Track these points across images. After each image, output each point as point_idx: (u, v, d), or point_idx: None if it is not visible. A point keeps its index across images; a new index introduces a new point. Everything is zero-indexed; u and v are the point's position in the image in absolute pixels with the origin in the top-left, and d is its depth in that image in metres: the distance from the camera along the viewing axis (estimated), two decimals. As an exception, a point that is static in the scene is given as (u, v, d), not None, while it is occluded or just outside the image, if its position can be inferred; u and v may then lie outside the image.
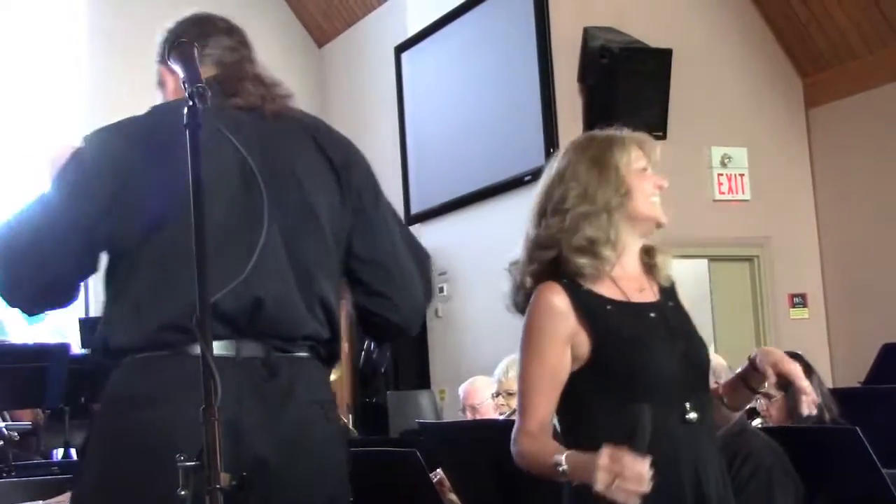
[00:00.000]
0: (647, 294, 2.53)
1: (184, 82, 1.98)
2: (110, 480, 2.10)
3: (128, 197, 2.15)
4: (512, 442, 2.47)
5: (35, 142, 11.03)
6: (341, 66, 11.25)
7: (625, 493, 2.11)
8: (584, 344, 2.43)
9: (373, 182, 2.41)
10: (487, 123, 8.24)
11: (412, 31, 9.25)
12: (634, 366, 2.41)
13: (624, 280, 2.51)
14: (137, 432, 2.05)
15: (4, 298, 2.27)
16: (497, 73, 8.19)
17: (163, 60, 2.41)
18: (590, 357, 2.43)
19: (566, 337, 2.43)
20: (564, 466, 2.28)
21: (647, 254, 2.58)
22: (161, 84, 2.48)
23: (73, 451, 6.74)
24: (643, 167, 2.56)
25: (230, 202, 2.17)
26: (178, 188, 1.99)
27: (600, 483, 2.12)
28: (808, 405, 2.42)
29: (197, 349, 2.02)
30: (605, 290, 2.48)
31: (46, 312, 2.39)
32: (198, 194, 1.85)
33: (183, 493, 1.72)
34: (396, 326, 2.43)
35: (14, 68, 11.11)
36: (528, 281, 2.56)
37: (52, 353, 6.32)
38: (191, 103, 1.89)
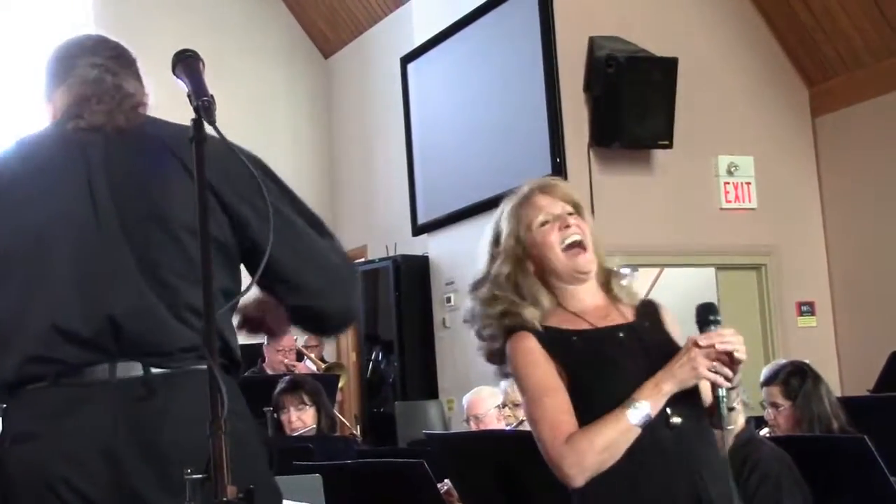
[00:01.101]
0: (614, 318, 2.62)
1: (189, 96, 1.98)
2: None
3: None
4: (560, 464, 2.46)
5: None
6: (348, 76, 11.27)
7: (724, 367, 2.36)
8: (562, 375, 2.52)
9: (253, 180, 2.11)
10: (493, 133, 8.24)
11: (418, 41, 9.26)
12: (606, 382, 2.49)
13: (587, 313, 2.61)
14: (18, 468, 2.06)
15: None
16: (503, 82, 8.19)
17: (45, 95, 2.43)
18: (569, 386, 2.51)
19: (552, 368, 2.54)
20: (643, 402, 2.39)
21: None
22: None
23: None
24: (542, 221, 2.65)
25: (79, 224, 2.16)
26: (31, 219, 2.08)
27: (702, 367, 2.36)
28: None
29: (79, 376, 2.07)
30: (569, 324, 2.59)
31: None
32: (203, 211, 1.86)
33: (189, 507, 1.72)
34: (331, 313, 2.34)
35: (23, 71, 11.17)
36: (497, 336, 2.67)
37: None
38: (195, 118, 1.89)
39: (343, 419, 6.66)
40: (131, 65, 2.44)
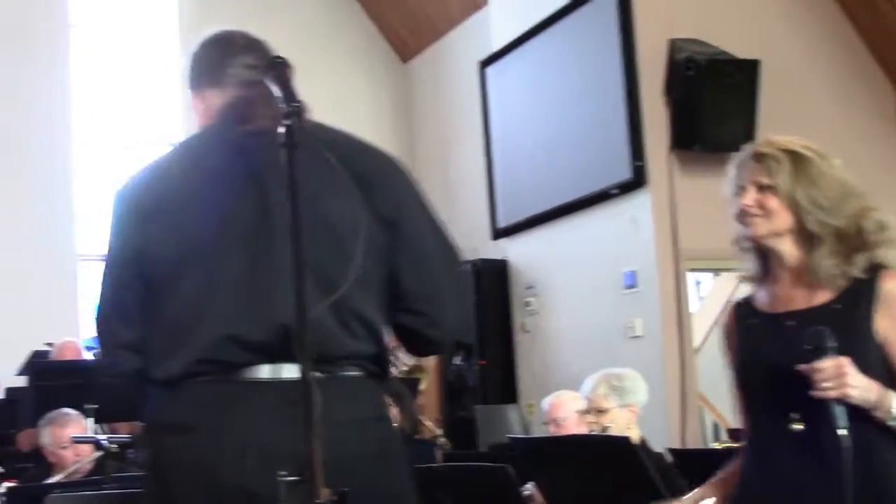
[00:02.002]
0: (798, 301, 2.57)
1: (280, 102, 2.00)
2: (152, 500, 2.16)
3: (152, 239, 2.20)
4: None
5: (135, 146, 11.31)
6: (426, 81, 11.32)
7: None
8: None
9: (403, 190, 2.34)
10: (573, 137, 8.22)
11: (497, 45, 9.27)
12: (745, 376, 2.57)
13: (776, 287, 2.61)
14: (178, 459, 2.09)
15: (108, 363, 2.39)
16: (582, 86, 8.17)
17: (190, 86, 2.45)
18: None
19: None
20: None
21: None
22: (193, 108, 2.49)
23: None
24: (734, 191, 2.67)
25: (251, 229, 2.18)
26: (203, 223, 2.04)
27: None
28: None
29: (241, 373, 2.10)
30: (761, 301, 2.64)
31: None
32: (296, 212, 1.88)
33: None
34: (432, 342, 2.38)
35: (110, 74, 11.42)
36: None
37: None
38: (287, 123, 1.92)
39: (427, 422, 6.68)
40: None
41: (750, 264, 2.64)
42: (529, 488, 4.15)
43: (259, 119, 2.25)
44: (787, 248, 2.57)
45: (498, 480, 3.68)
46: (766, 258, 2.61)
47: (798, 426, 2.45)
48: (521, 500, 3.86)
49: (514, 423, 8.47)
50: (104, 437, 5.16)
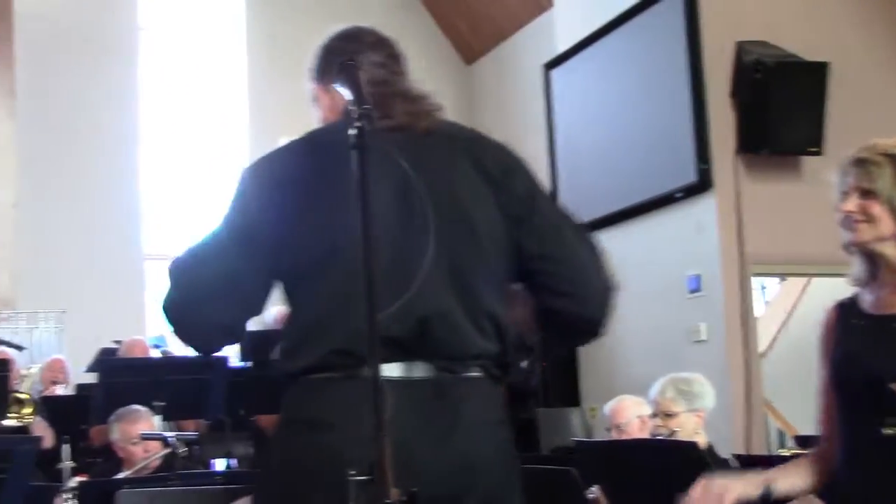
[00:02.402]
0: None
1: (351, 104, 2.01)
2: (279, 499, 2.16)
3: (293, 229, 2.18)
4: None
5: (201, 148, 11.45)
6: (490, 83, 11.33)
7: None
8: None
9: (533, 185, 2.36)
10: (638, 140, 8.18)
11: (561, 47, 9.25)
12: (841, 375, 2.55)
13: (882, 290, 2.59)
14: (309, 454, 2.08)
15: (182, 341, 2.38)
16: (648, 88, 8.13)
17: (317, 79, 2.47)
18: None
19: None
20: None
21: None
22: (315, 101, 2.51)
23: (234, 462, 6.94)
24: (838, 197, 2.62)
25: (393, 224, 2.17)
26: (346, 213, 2.04)
27: None
28: None
29: (361, 371, 2.06)
30: (866, 302, 2.61)
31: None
32: (367, 216, 1.89)
33: (354, 507, 1.76)
34: (585, 321, 2.37)
35: (177, 76, 11.57)
36: None
37: (213, 366, 6.52)
38: (358, 125, 1.93)
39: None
40: (404, 64, 2.48)
41: (857, 267, 2.62)
42: (594, 492, 4.14)
43: (397, 116, 2.28)
44: (892, 252, 2.54)
45: (562, 483, 3.67)
46: (872, 261, 2.59)
47: (893, 430, 2.43)
48: (586, 503, 3.85)
49: (577, 426, 8.46)
50: (171, 434, 5.23)
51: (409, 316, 2.13)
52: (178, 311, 2.31)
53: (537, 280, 2.32)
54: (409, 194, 2.21)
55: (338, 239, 2.12)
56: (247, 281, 2.24)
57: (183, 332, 2.35)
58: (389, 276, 2.10)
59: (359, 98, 1.99)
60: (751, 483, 2.58)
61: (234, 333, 2.36)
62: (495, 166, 2.31)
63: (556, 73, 9.34)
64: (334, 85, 2.36)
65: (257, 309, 2.30)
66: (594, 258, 2.38)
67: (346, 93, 2.06)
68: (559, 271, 2.31)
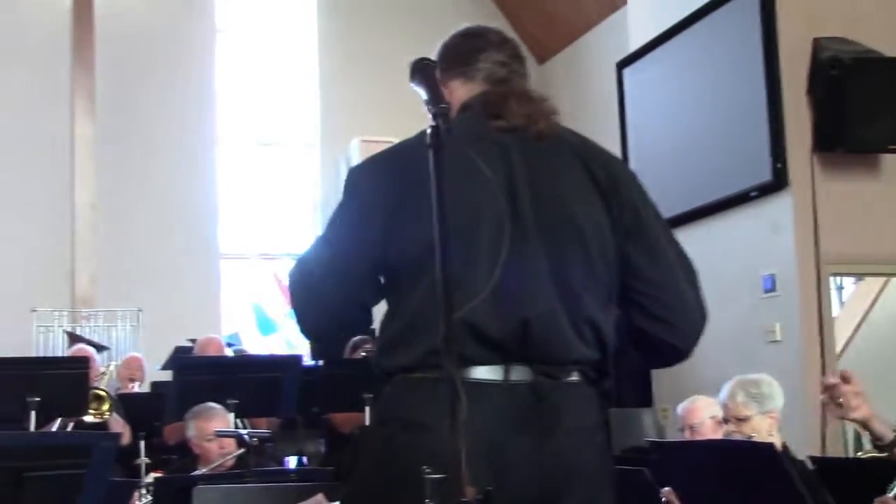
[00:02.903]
0: None
1: (426, 103, 2.02)
2: (374, 498, 2.16)
3: (399, 225, 2.17)
4: None
5: (275, 148, 11.55)
6: (562, 81, 11.29)
7: None
8: None
9: (641, 199, 2.36)
10: (712, 138, 8.09)
11: (634, 45, 9.18)
12: None
13: None
14: (402, 454, 2.06)
15: (301, 329, 2.39)
16: (722, 86, 8.04)
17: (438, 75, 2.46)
18: None
19: None
20: None
21: None
22: None
23: (305, 459, 7.00)
24: None
25: (493, 225, 2.15)
26: (453, 214, 2.04)
27: None
28: None
29: (470, 372, 2.08)
30: None
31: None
32: (441, 216, 1.88)
33: (430, 504, 1.77)
34: (675, 350, 2.37)
35: (252, 77, 11.70)
36: None
37: (286, 365, 6.57)
38: (434, 125, 1.93)
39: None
40: (525, 65, 2.46)
41: None
42: (665, 493, 4.10)
43: (512, 117, 2.27)
44: None
45: (635, 483, 3.65)
46: None
47: None
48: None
49: (649, 427, 8.39)
50: (245, 431, 5.28)
51: (511, 318, 2.12)
52: (300, 305, 2.34)
53: (634, 299, 2.30)
54: (515, 196, 2.20)
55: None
56: (358, 271, 2.25)
57: (305, 326, 2.38)
58: (494, 276, 2.09)
59: (434, 98, 2.00)
60: None
61: (351, 322, 2.37)
62: (606, 176, 2.30)
63: (628, 72, 9.28)
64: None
65: (371, 301, 2.30)
66: (693, 285, 2.36)
67: (421, 92, 2.06)
68: (658, 296, 2.29)
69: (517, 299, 2.13)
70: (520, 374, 2.14)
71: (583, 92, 10.82)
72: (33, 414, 5.84)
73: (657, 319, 2.30)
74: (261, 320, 11.47)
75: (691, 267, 2.39)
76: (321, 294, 2.28)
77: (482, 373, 2.12)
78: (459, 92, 2.39)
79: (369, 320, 2.38)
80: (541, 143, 2.28)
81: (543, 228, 2.19)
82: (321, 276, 2.27)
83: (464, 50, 2.42)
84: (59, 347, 9.61)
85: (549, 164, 2.26)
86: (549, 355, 2.15)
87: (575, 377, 2.20)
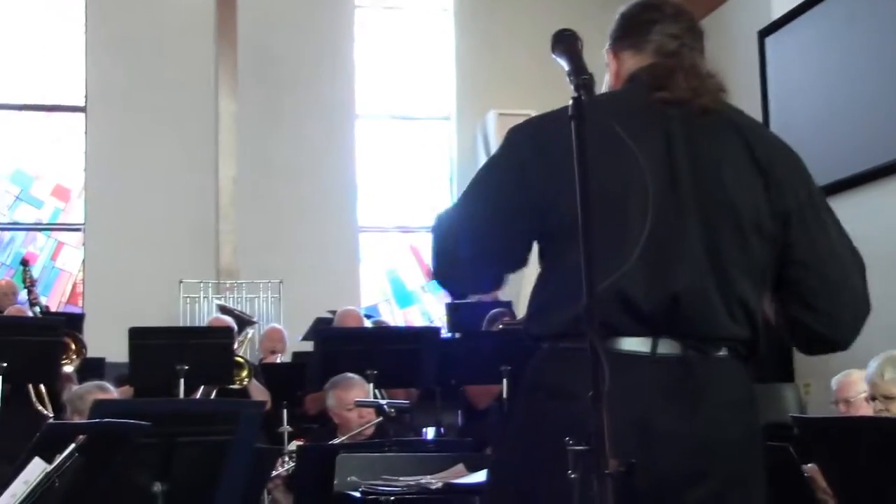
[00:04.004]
0: None
1: (569, 75, 2.00)
2: (522, 465, 2.16)
3: (554, 188, 2.15)
4: None
5: (412, 122, 11.64)
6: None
7: None
8: None
9: (806, 184, 2.28)
10: (857, 108, 7.86)
11: (777, 14, 8.97)
12: None
13: None
14: (554, 422, 2.04)
15: (438, 279, 2.40)
16: (869, 54, 7.80)
17: (610, 44, 2.44)
18: None
19: None
20: None
21: None
22: (606, 66, 2.46)
23: (442, 430, 7.07)
24: None
25: (644, 197, 2.11)
26: (611, 182, 2.04)
27: None
28: None
29: (618, 343, 2.08)
30: None
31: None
32: (584, 186, 1.87)
33: (573, 475, 1.77)
34: (831, 343, 2.30)
35: (389, 52, 11.79)
36: None
37: (424, 337, 6.64)
38: (576, 96, 1.92)
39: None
40: (701, 39, 2.42)
41: None
42: (808, 469, 4.03)
43: (677, 89, 2.25)
44: None
45: (779, 459, 3.59)
46: None
47: None
48: (803, 480, 3.75)
49: (790, 402, 8.22)
50: (384, 401, 5.36)
51: (660, 291, 2.10)
52: (441, 264, 2.35)
53: (791, 286, 2.25)
54: (672, 169, 2.18)
55: (601, 203, 2.04)
56: (506, 237, 2.24)
57: (445, 282, 2.41)
58: (646, 247, 2.06)
59: (577, 69, 1.98)
60: None
61: (495, 277, 2.36)
62: (769, 158, 2.24)
63: (770, 41, 9.08)
64: (622, 52, 2.38)
65: (517, 264, 2.30)
66: (858, 274, 2.29)
67: (563, 63, 2.05)
68: (816, 285, 2.24)
69: (667, 273, 2.11)
70: (668, 346, 2.12)
71: (723, 61, 10.56)
72: (182, 382, 6.03)
73: (811, 309, 2.24)
74: (398, 292, 11.60)
75: (857, 256, 2.31)
76: (465, 252, 2.28)
77: (630, 344, 2.11)
78: (629, 63, 2.37)
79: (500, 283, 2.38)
80: (703, 119, 2.24)
81: (700, 204, 2.16)
82: (468, 234, 2.27)
83: (637, 21, 2.38)
84: (204, 318, 9.86)
85: (709, 141, 2.22)
86: (697, 330, 2.13)
87: (724, 352, 2.17)
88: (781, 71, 8.94)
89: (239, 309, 9.60)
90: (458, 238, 2.30)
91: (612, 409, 1.74)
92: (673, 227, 2.14)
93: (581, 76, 1.94)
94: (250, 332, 8.84)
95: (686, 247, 2.14)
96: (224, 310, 9.13)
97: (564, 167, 1.97)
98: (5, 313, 7.43)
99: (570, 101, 1.93)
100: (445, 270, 2.36)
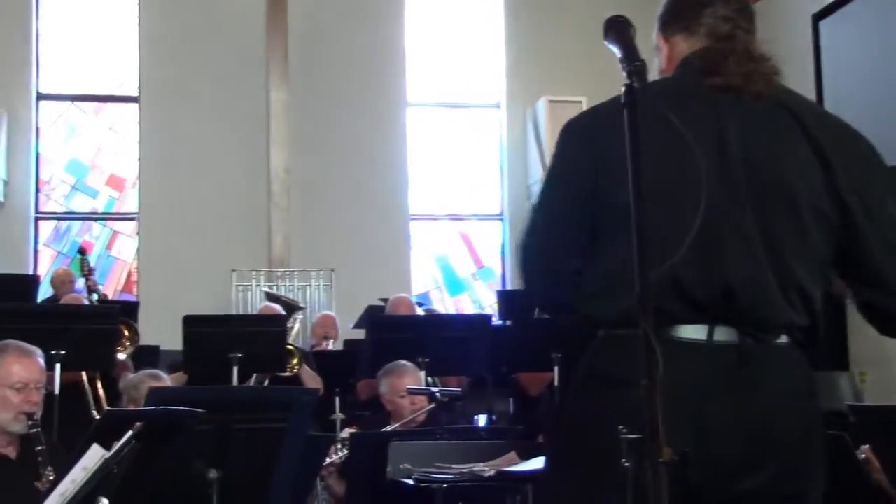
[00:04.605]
0: None
1: (621, 61, 1.99)
2: (576, 453, 2.17)
3: (608, 176, 2.14)
4: None
5: (461, 109, 11.62)
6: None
7: None
8: None
9: (869, 166, 2.24)
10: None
11: (831, -3, 8.87)
12: None
13: None
14: (608, 411, 2.03)
15: (531, 294, 2.47)
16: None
17: (660, 28, 2.41)
18: None
19: None
20: None
21: None
22: (657, 51, 2.44)
23: (494, 418, 7.08)
24: None
25: (696, 185, 2.09)
26: (662, 169, 2.03)
27: None
28: None
29: (674, 331, 2.07)
30: None
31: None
32: (636, 173, 1.87)
33: (627, 464, 1.77)
34: None
35: (439, 37, 11.78)
36: None
37: (476, 324, 6.64)
38: (629, 83, 1.91)
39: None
40: (753, 21, 2.39)
41: None
42: (865, 450, 3.98)
43: (730, 75, 2.23)
44: None
45: (835, 448, 3.56)
46: None
47: None
48: (859, 467, 3.71)
49: (845, 390, 8.14)
50: (436, 389, 5.37)
51: (715, 280, 2.09)
52: (531, 263, 2.34)
53: (859, 269, 2.23)
54: (726, 156, 2.16)
55: (652, 189, 2.03)
56: (573, 227, 2.24)
57: (534, 288, 2.39)
58: (699, 233, 2.04)
59: (629, 56, 1.97)
60: None
61: (576, 285, 2.31)
62: (829, 143, 2.21)
63: (825, 25, 8.97)
64: (673, 36, 2.36)
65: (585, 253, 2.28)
66: None
67: (615, 50, 2.04)
68: (883, 267, 2.20)
69: (722, 260, 2.10)
70: (724, 334, 2.10)
71: (777, 45, 10.45)
72: (235, 369, 6.08)
73: (882, 290, 2.22)
74: (449, 280, 11.61)
75: None
76: (546, 258, 2.28)
77: (686, 332, 2.09)
78: (681, 47, 2.35)
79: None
80: (757, 104, 2.21)
81: (755, 190, 2.14)
82: (543, 242, 2.28)
83: (688, 4, 2.36)
84: (256, 306, 9.94)
85: (764, 125, 2.20)
86: (754, 317, 2.11)
87: (783, 340, 2.15)
88: (836, 55, 8.83)
89: (286, 296, 9.65)
90: (542, 244, 2.29)
91: (667, 398, 1.73)
92: (728, 214, 2.12)
93: (633, 63, 1.94)
94: (299, 317, 8.88)
95: (741, 233, 2.12)
96: (271, 296, 9.19)
97: (618, 155, 1.95)
98: (62, 301, 7.53)
99: (623, 89, 1.92)
100: (536, 287, 2.36)
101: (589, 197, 2.20)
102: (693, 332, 2.10)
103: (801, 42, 9.35)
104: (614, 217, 2.13)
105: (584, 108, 2.48)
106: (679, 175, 2.12)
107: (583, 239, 2.23)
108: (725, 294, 2.09)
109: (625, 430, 1.79)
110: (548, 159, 10.60)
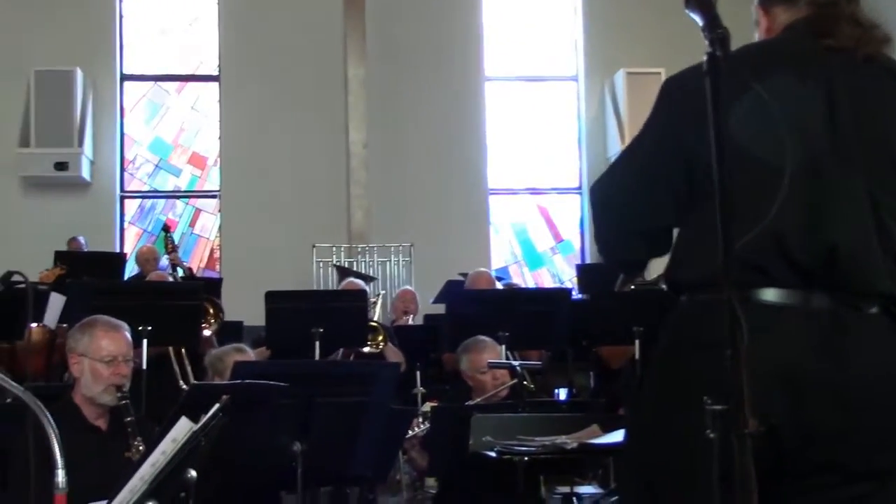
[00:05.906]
0: None
1: (703, 30, 1.96)
2: (663, 418, 2.14)
3: (698, 139, 2.02)
4: None
5: (538, 83, 11.57)
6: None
7: None
8: None
9: None
10: None
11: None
12: None
13: None
14: (692, 377, 2.01)
15: (604, 250, 2.38)
16: None
17: (760, 2, 2.38)
18: None
19: None
20: None
21: None
22: (756, 24, 2.41)
23: (574, 391, 7.07)
24: None
25: (815, 145, 2.09)
26: (765, 129, 1.98)
27: None
28: None
29: (767, 294, 2.02)
30: None
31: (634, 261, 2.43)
32: (719, 141, 1.84)
33: (711, 435, 1.75)
34: None
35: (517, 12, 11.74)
36: None
37: (556, 298, 6.63)
38: (711, 51, 1.88)
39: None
40: None
41: None
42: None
43: (840, 37, 2.20)
44: None
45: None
46: None
47: None
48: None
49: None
50: (517, 363, 5.36)
51: (819, 243, 2.06)
52: (609, 215, 2.34)
53: None
54: (833, 118, 2.13)
55: (753, 150, 2.05)
56: (660, 185, 2.22)
57: (608, 249, 2.38)
58: (806, 195, 2.04)
59: (711, 23, 1.94)
60: None
61: (660, 243, 2.30)
62: None
63: None
64: (773, 7, 2.32)
65: (673, 219, 2.26)
66: None
67: (697, 18, 2.01)
68: None
69: (827, 222, 2.06)
70: (820, 300, 2.07)
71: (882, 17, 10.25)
72: (318, 344, 6.14)
73: None
74: (528, 254, 11.60)
75: None
76: (628, 208, 2.26)
77: (780, 296, 2.05)
78: (782, 17, 2.31)
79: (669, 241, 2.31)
80: (866, 68, 2.18)
81: (863, 153, 2.11)
82: (629, 188, 2.26)
83: None
84: (336, 281, 10.02)
85: (872, 89, 2.17)
86: (854, 284, 2.07)
87: (875, 309, 2.11)
88: None
89: (362, 272, 9.71)
90: (618, 198, 2.29)
91: (757, 363, 1.70)
92: (833, 176, 2.09)
93: (716, 30, 1.90)
94: (379, 296, 8.92)
95: (848, 197, 2.09)
96: (342, 270, 9.23)
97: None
98: (148, 279, 7.66)
99: (705, 57, 1.90)
100: (608, 238, 2.35)
101: (678, 156, 2.18)
102: (788, 296, 2.06)
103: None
104: (707, 183, 2.10)
105: (663, 79, 2.42)
106: (773, 140, 2.08)
107: (669, 197, 2.21)
108: (828, 258, 2.05)
109: (709, 402, 1.77)
110: (627, 131, 10.58)
